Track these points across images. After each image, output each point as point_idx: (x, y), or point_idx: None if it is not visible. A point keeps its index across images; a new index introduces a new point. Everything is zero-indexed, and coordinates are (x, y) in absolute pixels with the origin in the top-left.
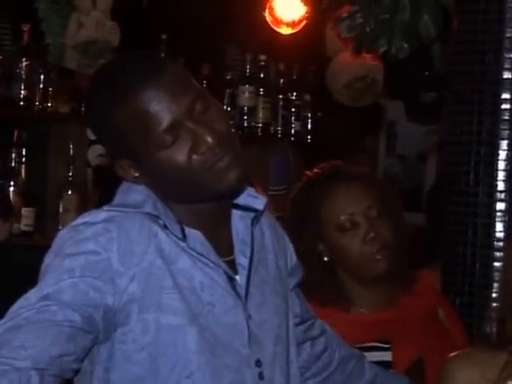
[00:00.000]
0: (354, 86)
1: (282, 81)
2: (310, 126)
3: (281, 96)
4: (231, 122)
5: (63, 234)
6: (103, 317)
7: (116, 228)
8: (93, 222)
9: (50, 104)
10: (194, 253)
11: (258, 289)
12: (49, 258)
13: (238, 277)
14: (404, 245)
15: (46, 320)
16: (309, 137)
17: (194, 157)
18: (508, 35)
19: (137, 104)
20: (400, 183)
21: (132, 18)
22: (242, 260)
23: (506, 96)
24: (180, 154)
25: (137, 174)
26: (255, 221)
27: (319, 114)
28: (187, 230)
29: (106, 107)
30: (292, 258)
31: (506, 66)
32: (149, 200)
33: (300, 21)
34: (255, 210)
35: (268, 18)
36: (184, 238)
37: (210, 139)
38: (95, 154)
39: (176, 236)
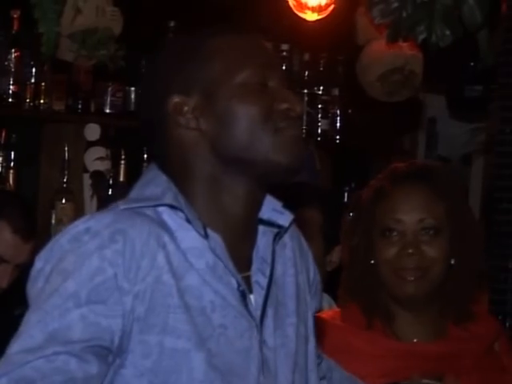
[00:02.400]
0: (390, 79)
1: (307, 73)
2: (338, 124)
3: (306, 90)
4: None
5: (62, 244)
6: (118, 345)
7: (123, 238)
8: (97, 229)
9: (42, 101)
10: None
11: (274, 310)
12: (45, 268)
13: (252, 296)
14: (464, 274)
15: (58, 372)
16: (337, 137)
17: (276, 107)
18: None
19: (239, 38)
20: None
21: (136, 2)
22: (259, 278)
23: None
24: (263, 100)
25: (193, 120)
26: (277, 237)
27: (349, 111)
28: (208, 231)
29: (202, 34)
30: (315, 279)
31: None
32: (169, 192)
33: (327, 5)
34: (279, 227)
35: (291, 3)
36: (206, 236)
37: (298, 107)
38: (93, 157)
39: (198, 232)
